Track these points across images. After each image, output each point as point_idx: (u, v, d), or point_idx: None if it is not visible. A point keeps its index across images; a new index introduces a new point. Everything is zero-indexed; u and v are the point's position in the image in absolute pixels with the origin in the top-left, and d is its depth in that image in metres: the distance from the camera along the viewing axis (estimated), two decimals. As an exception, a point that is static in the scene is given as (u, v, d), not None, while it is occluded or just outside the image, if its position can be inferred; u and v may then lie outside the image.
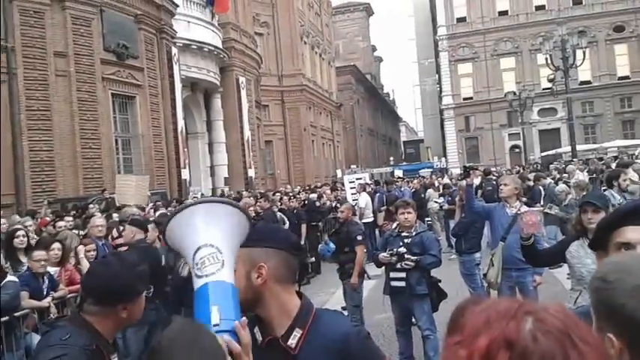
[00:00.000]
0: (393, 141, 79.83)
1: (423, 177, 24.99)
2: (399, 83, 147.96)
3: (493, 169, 22.18)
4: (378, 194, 14.07)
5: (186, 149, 20.75)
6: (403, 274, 5.23)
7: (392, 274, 5.35)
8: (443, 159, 47.49)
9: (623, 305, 1.04)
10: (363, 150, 58.06)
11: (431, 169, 40.45)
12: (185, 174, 20.10)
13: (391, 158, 54.90)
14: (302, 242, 11.48)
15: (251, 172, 26.03)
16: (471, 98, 50.06)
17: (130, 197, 12.73)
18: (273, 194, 14.51)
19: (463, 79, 50.56)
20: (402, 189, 17.24)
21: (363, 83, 62.29)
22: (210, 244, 1.32)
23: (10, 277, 4.88)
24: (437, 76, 54.99)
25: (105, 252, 6.42)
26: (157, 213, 9.65)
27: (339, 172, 25.14)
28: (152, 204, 12.31)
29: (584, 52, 25.26)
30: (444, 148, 51.45)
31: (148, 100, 18.34)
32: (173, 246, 1.43)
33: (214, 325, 1.23)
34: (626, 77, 46.90)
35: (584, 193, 7.15)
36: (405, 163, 52.15)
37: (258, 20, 34.38)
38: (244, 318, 1.30)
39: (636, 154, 23.54)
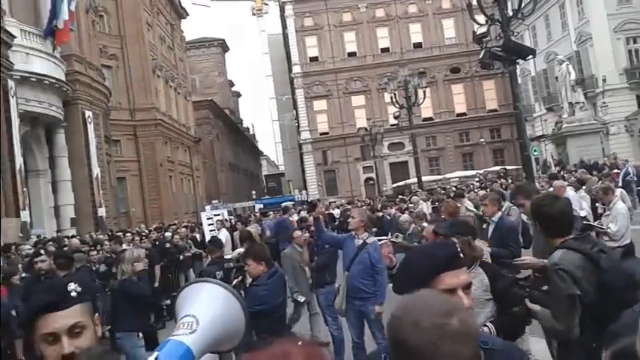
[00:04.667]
0: (255, 175, 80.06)
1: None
2: (259, 118, 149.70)
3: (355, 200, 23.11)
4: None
5: (25, 189, 19.03)
6: None
7: None
8: (304, 192, 48.56)
9: (405, 340, 1.13)
10: (225, 184, 57.48)
11: (292, 202, 41.14)
12: (25, 216, 18.37)
13: (253, 192, 54.95)
14: (156, 284, 10.94)
15: (102, 212, 24.49)
16: (327, 133, 52.01)
17: None
18: (124, 235, 13.76)
19: (319, 115, 52.47)
20: (263, 222, 17.28)
21: (222, 118, 62.06)
22: (192, 314, 1.51)
23: None
24: (294, 111, 56.46)
25: None
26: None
27: (207, 209, 24.53)
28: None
29: (424, 92, 27.48)
30: (305, 181, 52.66)
31: (-22, 136, 16.62)
32: (176, 306, 1.62)
33: None
34: (464, 114, 51.72)
35: (424, 223, 7.64)
36: (267, 197, 52.50)
37: (106, 52, 32.93)
38: None
39: (474, 183, 25.86)
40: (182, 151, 43.35)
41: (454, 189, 21.58)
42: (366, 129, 37.89)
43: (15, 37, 19.21)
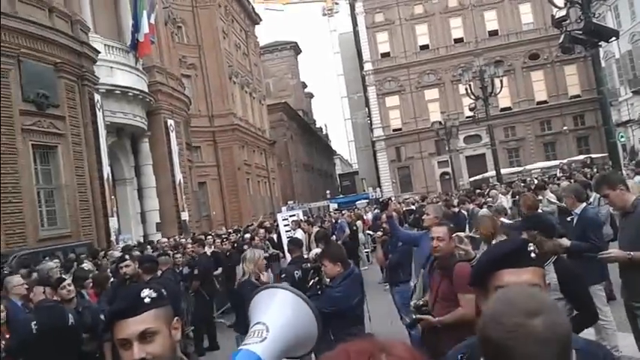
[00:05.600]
0: (328, 174, 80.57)
1: (358, 208, 25.30)
2: (331, 118, 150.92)
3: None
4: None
5: (113, 197, 20.11)
6: None
7: None
8: (378, 189, 48.35)
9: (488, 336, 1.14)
10: (300, 185, 58.24)
11: (367, 200, 41.08)
12: (113, 222, 19.43)
13: (328, 192, 55.33)
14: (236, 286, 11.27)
15: (184, 216, 25.47)
16: (400, 129, 51.49)
17: None
18: (205, 237, 14.24)
19: (391, 111, 52.06)
20: (339, 221, 17.37)
21: (296, 119, 62.91)
22: (263, 322, 1.55)
23: None
24: (366, 109, 56.33)
25: (23, 312, 6.06)
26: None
27: (283, 210, 25.00)
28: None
29: (501, 81, 26.62)
30: (378, 179, 52.42)
31: (70, 148, 17.71)
32: (249, 313, 1.68)
33: None
34: (544, 102, 49.65)
35: (502, 218, 7.40)
36: (341, 196, 52.71)
37: (185, 62, 34.26)
38: None
39: (557, 174, 24.76)
40: (258, 154, 44.33)
41: (535, 181, 20.78)
42: (440, 123, 37.26)
43: (99, 52, 20.31)
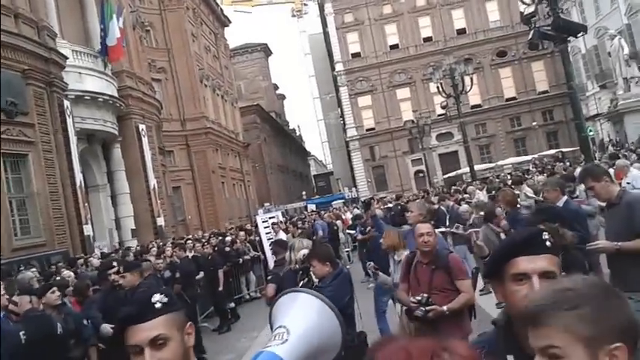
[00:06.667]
0: (304, 175, 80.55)
1: (336, 208, 25.36)
2: (304, 119, 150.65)
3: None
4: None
5: (86, 204, 19.75)
6: None
7: None
8: (353, 189, 48.52)
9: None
10: (275, 187, 58.09)
11: (343, 200, 41.25)
12: (88, 230, 19.07)
13: (303, 193, 55.31)
14: (220, 288, 11.20)
15: (160, 221, 25.16)
16: (374, 129, 51.77)
17: None
18: (185, 242, 14.11)
19: (364, 111, 52.31)
20: (316, 223, 17.37)
21: (269, 121, 62.73)
22: (284, 325, 1.54)
23: None
24: (339, 109, 56.48)
25: (7, 323, 5.92)
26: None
27: (260, 212, 24.76)
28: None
29: (471, 78, 26.94)
30: (354, 179, 52.60)
31: (41, 156, 17.35)
32: (272, 316, 1.69)
33: None
34: (513, 98, 50.45)
35: (482, 212, 7.49)
36: (317, 197, 52.77)
37: (155, 66, 33.86)
38: None
39: (530, 168, 25.20)
40: (232, 157, 44.07)
41: (509, 176, 21.11)
42: (412, 121, 37.53)
43: (67, 58, 19.95)
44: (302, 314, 1.55)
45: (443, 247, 5.58)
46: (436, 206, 11.73)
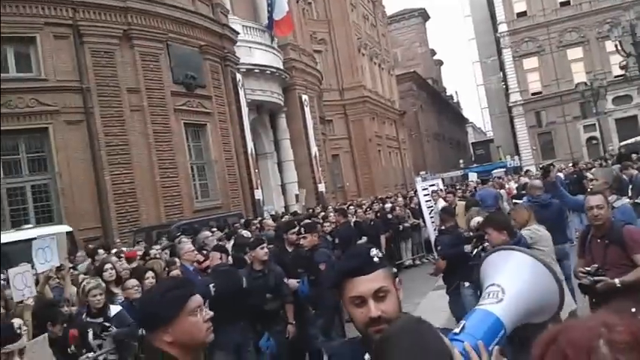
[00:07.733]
0: (461, 143, 78.28)
1: (499, 177, 24.29)
2: (462, 84, 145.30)
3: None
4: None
5: (257, 170, 21.20)
6: None
7: None
8: (516, 157, 46.09)
9: None
10: (431, 155, 57.25)
11: (504, 169, 39.39)
12: (258, 194, 20.51)
13: (461, 161, 53.81)
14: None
15: (321, 187, 26.22)
16: (540, 93, 48.33)
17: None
18: (347, 207, 14.55)
19: (529, 74, 48.94)
20: (479, 192, 16.80)
21: (425, 88, 61.60)
22: (498, 284, 1.53)
23: (115, 307, 5.12)
24: (501, 73, 53.55)
25: (196, 276, 6.60)
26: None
27: (418, 180, 24.62)
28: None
29: (656, 34, 23.95)
30: (516, 146, 49.84)
31: (217, 126, 18.90)
32: (481, 273, 1.67)
33: (454, 333, 1.41)
34: None
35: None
36: (475, 165, 51.02)
37: (316, 38, 34.82)
38: (479, 343, 1.39)
39: None
40: (388, 125, 44.14)
41: None
42: (585, 84, 34.45)
43: (238, 33, 21.30)
44: (517, 273, 1.51)
45: (626, 220, 5.16)
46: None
